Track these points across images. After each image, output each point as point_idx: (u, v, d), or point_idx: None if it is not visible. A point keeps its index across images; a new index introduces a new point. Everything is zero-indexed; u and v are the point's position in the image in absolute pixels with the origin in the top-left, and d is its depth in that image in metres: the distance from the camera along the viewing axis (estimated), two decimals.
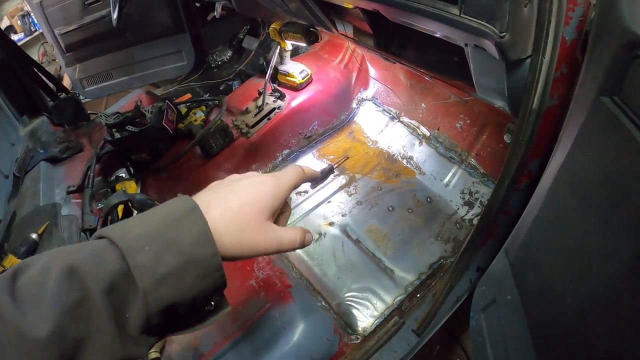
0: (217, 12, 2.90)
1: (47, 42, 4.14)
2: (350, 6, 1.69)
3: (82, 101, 3.03)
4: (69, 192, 2.35)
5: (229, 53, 3.51)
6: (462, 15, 1.15)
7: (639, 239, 0.77)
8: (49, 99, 2.87)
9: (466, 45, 1.34)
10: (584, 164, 1.00)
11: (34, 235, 1.82)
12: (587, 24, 1.09)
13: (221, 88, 3.44)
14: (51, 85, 2.86)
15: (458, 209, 2.40)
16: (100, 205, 2.31)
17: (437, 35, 1.43)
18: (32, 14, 4.27)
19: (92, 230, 2.06)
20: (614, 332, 0.90)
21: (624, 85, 0.83)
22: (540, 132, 1.24)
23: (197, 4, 2.93)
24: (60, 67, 3.57)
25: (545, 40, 1.08)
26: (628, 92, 0.83)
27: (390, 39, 1.88)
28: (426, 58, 1.83)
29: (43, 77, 2.78)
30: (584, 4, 1.10)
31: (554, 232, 1.17)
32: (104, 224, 2.06)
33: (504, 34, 1.08)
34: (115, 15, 2.28)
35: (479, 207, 2.35)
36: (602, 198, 0.92)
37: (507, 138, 1.47)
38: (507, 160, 1.35)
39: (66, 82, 3.83)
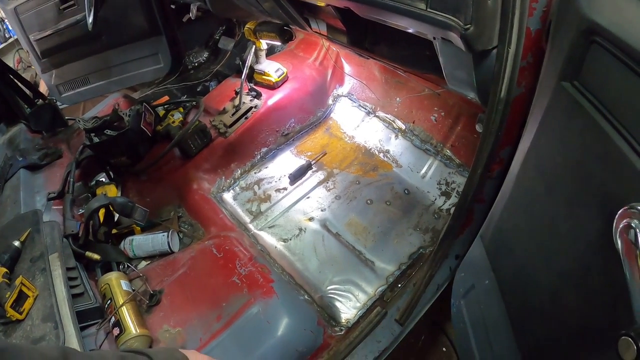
0: (193, 13, 2.90)
1: (22, 49, 4.08)
2: (323, 4, 1.71)
3: (60, 107, 3.01)
4: (49, 199, 2.34)
5: (206, 54, 3.51)
6: (428, 9, 1.18)
7: (603, 217, 0.80)
8: (26, 106, 2.83)
9: (434, 38, 1.37)
10: (548, 147, 1.04)
11: (16, 243, 1.82)
12: (551, 14, 1.13)
13: (198, 89, 3.44)
14: (28, 92, 2.82)
15: (435, 199, 2.44)
16: (81, 211, 2.31)
17: (407, 31, 1.46)
18: (6, 20, 4.22)
19: (74, 236, 2.06)
20: (586, 307, 0.94)
21: (582, 70, 0.87)
22: (509, 120, 1.28)
23: (172, 6, 2.93)
24: (37, 73, 3.53)
25: (510, 31, 1.11)
26: (587, 76, 0.87)
27: (362, 36, 1.91)
28: (398, 53, 1.86)
29: (19, 84, 2.74)
30: None
31: (524, 216, 1.21)
32: (86, 229, 2.07)
33: (468, 26, 1.11)
34: (90, 19, 2.27)
35: (455, 196, 2.39)
36: (567, 180, 0.96)
37: (478, 127, 1.50)
38: (479, 149, 1.38)
39: (43, 88, 3.79)
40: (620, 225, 0.74)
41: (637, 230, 0.70)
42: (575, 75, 0.90)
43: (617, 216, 0.75)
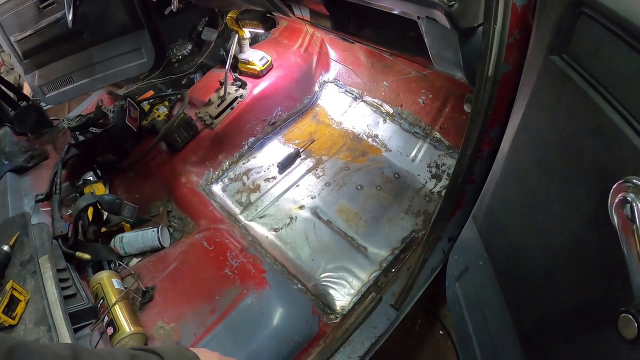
0: (174, 5, 2.85)
1: (3, 51, 4.03)
2: None
3: (44, 108, 2.97)
4: (37, 201, 2.31)
5: (189, 46, 3.47)
6: None
7: (597, 192, 0.79)
8: (10, 109, 2.79)
9: (419, 18, 1.35)
10: (539, 124, 1.03)
11: (5, 247, 1.79)
12: None
13: (183, 82, 3.40)
14: (11, 94, 2.77)
15: (426, 182, 2.43)
16: (70, 211, 2.28)
17: (392, 12, 1.44)
18: None
19: (63, 237, 2.03)
20: (582, 285, 0.93)
21: (571, 43, 0.86)
22: (498, 99, 1.26)
23: None
24: (20, 75, 3.48)
25: (495, 7, 1.10)
26: (576, 48, 0.85)
27: (346, 19, 1.89)
28: (383, 35, 1.85)
29: (2, 87, 2.69)
30: None
31: (516, 194, 1.20)
32: (75, 229, 2.04)
33: (452, 2, 1.10)
34: (70, 17, 2.23)
35: (446, 179, 2.38)
36: (559, 155, 0.94)
37: (467, 108, 1.49)
38: (468, 130, 1.37)
39: (27, 90, 3.74)
40: (616, 200, 0.73)
41: (634, 204, 0.69)
42: (564, 48, 0.88)
43: (612, 191, 0.74)
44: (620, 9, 0.73)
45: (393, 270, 2.06)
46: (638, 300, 0.68)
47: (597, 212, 0.78)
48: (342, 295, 2.03)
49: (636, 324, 0.65)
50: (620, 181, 0.72)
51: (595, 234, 0.84)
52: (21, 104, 2.77)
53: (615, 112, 0.75)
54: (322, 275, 2.10)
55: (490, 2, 1.10)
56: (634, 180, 0.70)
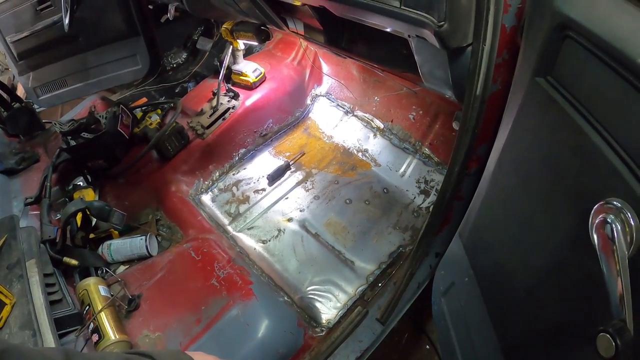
0: (171, 14, 2.87)
1: None
2: (299, 3, 1.70)
3: (37, 110, 2.97)
4: (26, 204, 2.30)
5: (184, 55, 3.47)
6: (402, 7, 1.18)
7: (579, 213, 0.80)
8: (2, 109, 2.78)
9: (409, 36, 1.37)
10: (523, 143, 1.04)
11: None
12: (526, 10, 1.13)
13: (177, 91, 3.40)
14: (4, 95, 2.77)
15: (414, 197, 2.44)
16: (59, 216, 2.27)
17: (384, 29, 1.46)
18: None
19: (51, 242, 2.02)
20: (563, 303, 0.94)
21: (556, 65, 0.87)
22: (485, 117, 1.27)
23: (150, 6, 2.89)
24: (14, 76, 3.47)
25: (485, 28, 1.11)
26: (560, 71, 0.87)
27: (340, 35, 1.90)
28: (375, 52, 1.86)
29: None
30: None
31: (501, 212, 1.21)
32: (63, 234, 2.04)
33: (442, 23, 1.11)
34: (67, 20, 2.24)
35: (434, 194, 2.40)
36: (542, 175, 0.96)
37: (455, 125, 1.50)
38: (456, 147, 1.38)
39: (20, 91, 3.73)
40: (596, 221, 0.74)
41: (613, 226, 0.70)
42: (549, 70, 0.90)
43: (592, 211, 0.75)
44: (605, 34, 0.75)
45: (380, 284, 2.07)
46: (616, 320, 0.69)
47: (578, 232, 0.79)
48: (328, 309, 2.03)
49: (614, 344, 0.66)
50: (601, 202, 0.74)
51: (576, 253, 0.85)
52: (14, 105, 2.77)
53: (597, 134, 0.77)
54: (308, 288, 2.10)
55: (479, 22, 1.11)
56: (614, 202, 0.71)
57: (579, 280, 0.86)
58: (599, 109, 0.78)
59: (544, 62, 0.91)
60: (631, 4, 0.75)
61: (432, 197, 2.40)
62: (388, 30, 1.44)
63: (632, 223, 0.69)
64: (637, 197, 0.69)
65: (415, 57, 1.46)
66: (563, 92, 0.85)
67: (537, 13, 0.96)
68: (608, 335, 0.67)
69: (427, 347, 2.25)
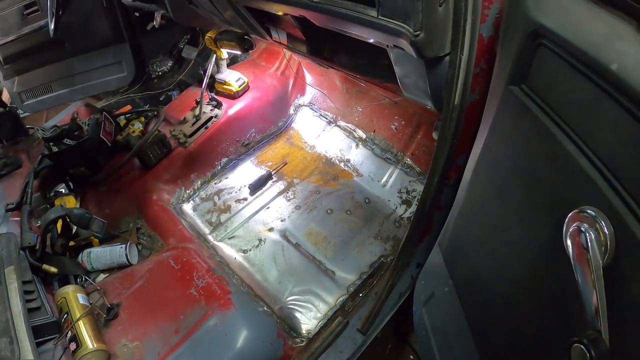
0: (157, 21, 2.86)
1: None
2: (281, 13, 1.71)
3: (21, 115, 2.95)
4: (7, 210, 2.28)
5: (170, 63, 3.46)
6: (379, 17, 1.18)
7: (553, 222, 0.80)
8: None
9: (388, 47, 1.37)
10: (498, 152, 1.04)
11: None
12: (502, 19, 1.13)
13: (161, 99, 3.39)
14: None
15: (396, 208, 2.44)
16: (40, 222, 2.25)
17: (365, 40, 1.46)
18: None
19: (31, 248, 2.00)
20: (539, 313, 0.94)
21: (530, 73, 0.87)
22: (464, 127, 1.27)
23: (137, 14, 2.89)
24: None
25: (462, 37, 1.11)
26: (534, 79, 0.87)
27: (322, 45, 1.90)
28: (357, 62, 1.86)
29: None
30: (499, 2, 1.15)
31: (477, 222, 1.21)
32: (43, 241, 2.02)
33: (418, 32, 1.11)
34: (52, 25, 2.22)
35: (416, 205, 2.38)
36: (517, 184, 0.96)
37: (435, 135, 1.51)
38: (435, 157, 1.37)
39: (5, 96, 3.70)
40: (570, 229, 0.74)
41: (587, 235, 0.70)
42: (523, 79, 0.90)
43: (567, 220, 0.75)
44: (577, 40, 0.75)
45: (361, 294, 2.07)
46: (591, 331, 0.68)
47: (553, 241, 0.79)
48: (309, 319, 2.02)
49: (588, 355, 0.66)
50: (575, 211, 0.73)
51: (551, 263, 0.85)
52: None
53: (571, 142, 0.77)
54: (288, 298, 2.09)
55: (457, 32, 1.11)
56: (589, 210, 0.71)
57: (555, 290, 0.86)
58: (572, 117, 0.78)
59: (518, 71, 0.91)
60: (604, 9, 0.75)
61: (414, 207, 2.40)
62: (370, 40, 1.45)
63: (606, 232, 0.68)
64: (611, 206, 0.68)
65: (395, 68, 1.46)
66: (537, 100, 0.86)
67: (511, 21, 0.96)
68: (582, 346, 0.67)
69: (411, 357, 2.24)
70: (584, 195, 0.74)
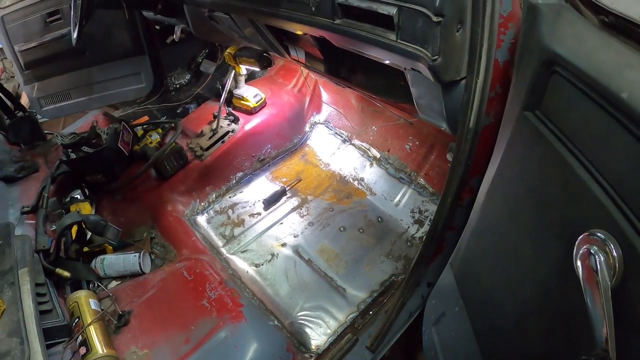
0: (177, 35, 2.92)
1: (6, 58, 4.04)
2: (301, 33, 1.74)
3: (40, 120, 3.00)
4: (23, 213, 2.32)
5: (188, 76, 3.52)
6: (398, 40, 1.21)
7: (564, 244, 0.82)
8: (5, 117, 2.81)
9: (405, 69, 1.40)
10: (512, 175, 1.06)
11: None
12: (518, 46, 1.16)
13: (178, 111, 3.44)
14: (8, 103, 2.78)
15: (408, 227, 2.45)
16: (54, 227, 2.28)
17: (382, 61, 1.49)
18: None
19: (45, 252, 2.03)
20: (549, 333, 0.95)
21: (544, 100, 0.90)
22: (478, 150, 1.29)
23: (157, 27, 2.94)
24: (19, 84, 3.50)
25: (478, 62, 1.13)
26: (548, 105, 0.89)
27: (339, 65, 1.94)
28: (374, 82, 1.89)
29: (0, 95, 2.72)
30: (515, 28, 1.18)
31: (490, 243, 1.23)
32: (57, 245, 2.05)
33: (436, 57, 1.14)
34: (75, 35, 2.27)
35: (429, 224, 2.41)
36: (529, 207, 0.97)
37: (449, 156, 1.52)
38: (449, 178, 1.39)
39: (24, 100, 3.76)
40: (580, 252, 0.76)
41: (597, 257, 0.72)
42: (537, 105, 0.92)
43: (577, 243, 0.77)
44: (590, 69, 0.77)
45: (371, 312, 2.07)
46: (599, 350, 0.70)
47: (564, 263, 0.80)
48: (318, 335, 2.03)
49: None
50: (586, 234, 0.75)
51: (561, 284, 0.86)
52: (17, 114, 2.79)
53: (582, 167, 0.79)
54: (299, 314, 2.10)
55: (473, 57, 1.14)
56: (598, 234, 0.73)
57: (565, 310, 0.87)
58: (584, 143, 0.80)
59: (533, 97, 0.93)
60: (616, 39, 0.78)
61: (426, 227, 2.41)
62: (386, 62, 1.48)
63: (615, 254, 0.70)
64: (620, 230, 0.70)
65: (411, 89, 1.49)
66: (550, 126, 0.88)
67: (527, 48, 0.99)
68: None
69: None
70: (594, 219, 0.76)
